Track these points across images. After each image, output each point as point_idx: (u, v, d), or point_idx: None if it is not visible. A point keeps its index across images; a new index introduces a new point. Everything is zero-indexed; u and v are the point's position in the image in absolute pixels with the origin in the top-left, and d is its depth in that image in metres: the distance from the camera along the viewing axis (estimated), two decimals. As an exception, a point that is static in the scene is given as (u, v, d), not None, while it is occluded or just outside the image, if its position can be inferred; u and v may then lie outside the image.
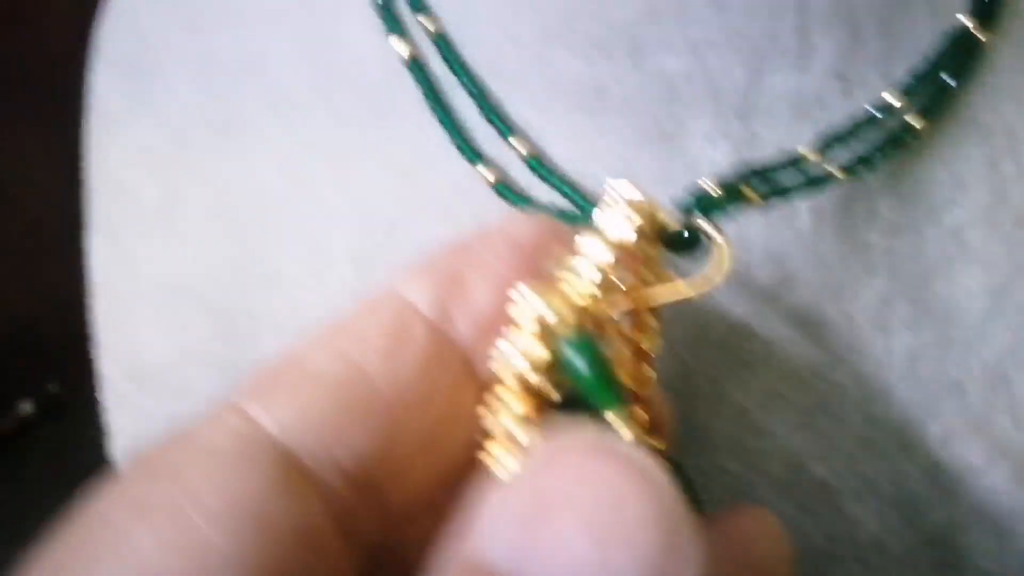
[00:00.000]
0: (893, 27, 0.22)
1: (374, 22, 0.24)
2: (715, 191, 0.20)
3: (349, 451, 0.15)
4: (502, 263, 0.17)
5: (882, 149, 0.22)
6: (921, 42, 0.23)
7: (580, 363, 0.16)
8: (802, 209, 0.23)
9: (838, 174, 0.21)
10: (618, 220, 0.17)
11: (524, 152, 0.22)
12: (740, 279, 0.23)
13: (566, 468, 0.13)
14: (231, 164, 0.25)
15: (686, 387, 0.23)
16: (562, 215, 0.21)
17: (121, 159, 0.26)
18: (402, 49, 0.23)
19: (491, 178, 0.22)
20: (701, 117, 0.22)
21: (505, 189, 0.22)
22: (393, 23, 0.23)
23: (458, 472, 0.16)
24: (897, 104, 0.22)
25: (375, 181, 0.24)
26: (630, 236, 0.17)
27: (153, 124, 0.26)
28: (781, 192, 0.21)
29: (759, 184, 0.21)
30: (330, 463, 0.15)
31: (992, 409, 0.24)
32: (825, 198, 0.23)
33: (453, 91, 0.23)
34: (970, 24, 0.23)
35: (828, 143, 0.22)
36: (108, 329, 0.26)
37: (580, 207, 0.22)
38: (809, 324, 0.23)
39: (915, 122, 0.22)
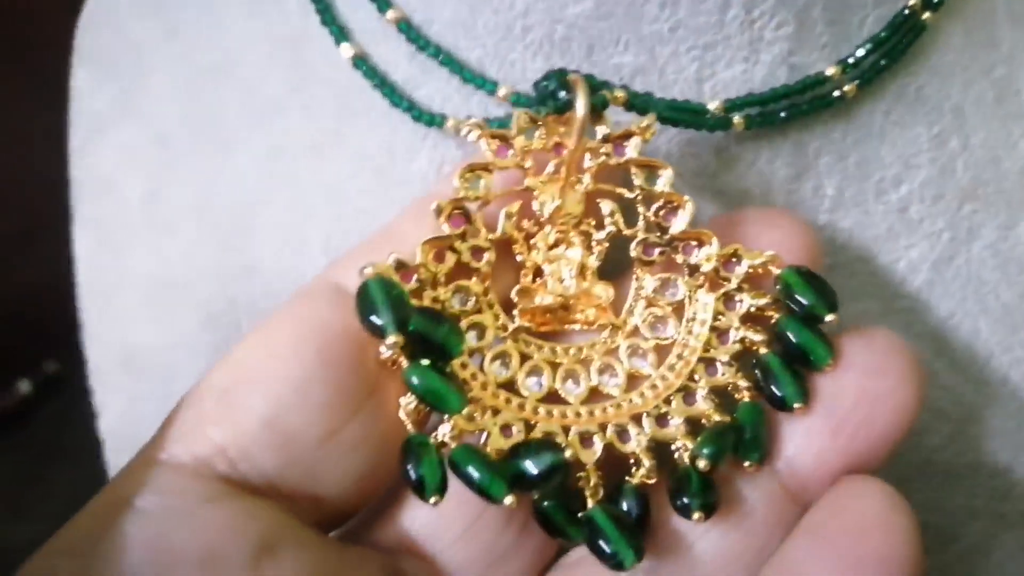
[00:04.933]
0: (840, 14, 0.23)
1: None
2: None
3: None
4: None
5: (789, 108, 0.22)
6: (869, 28, 0.23)
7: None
8: (752, 189, 0.24)
9: (738, 121, 0.22)
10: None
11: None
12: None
13: None
14: (210, 162, 0.26)
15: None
16: None
17: (106, 158, 0.27)
18: (346, 51, 0.24)
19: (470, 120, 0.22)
20: (653, 107, 0.22)
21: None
22: (340, 32, 0.24)
23: None
24: (829, 73, 0.22)
25: (347, 173, 0.25)
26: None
27: (136, 124, 0.27)
28: (642, 106, 0.21)
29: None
30: None
31: (935, 373, 0.25)
32: (774, 178, 0.24)
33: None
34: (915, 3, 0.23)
35: (736, 104, 0.22)
36: (95, 318, 0.27)
37: None
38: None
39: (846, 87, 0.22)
